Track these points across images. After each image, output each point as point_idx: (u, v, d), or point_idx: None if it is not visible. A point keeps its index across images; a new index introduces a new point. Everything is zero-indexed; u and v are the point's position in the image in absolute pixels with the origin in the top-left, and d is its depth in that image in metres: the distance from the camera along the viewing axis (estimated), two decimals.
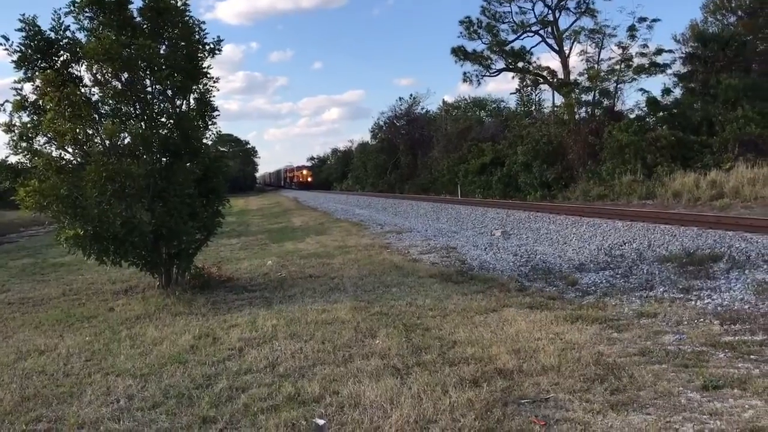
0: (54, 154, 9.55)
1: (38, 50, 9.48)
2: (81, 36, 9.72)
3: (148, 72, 9.81)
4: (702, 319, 6.67)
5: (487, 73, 43.28)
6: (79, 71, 9.78)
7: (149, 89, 9.97)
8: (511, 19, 41.12)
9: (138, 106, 9.90)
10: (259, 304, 8.87)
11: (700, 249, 10.29)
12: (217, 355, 6.35)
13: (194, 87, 10.35)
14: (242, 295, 9.59)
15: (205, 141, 10.67)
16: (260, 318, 7.77)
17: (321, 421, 4.47)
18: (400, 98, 77.24)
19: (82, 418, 4.81)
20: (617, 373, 5.07)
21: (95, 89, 9.76)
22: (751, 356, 5.41)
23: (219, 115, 10.69)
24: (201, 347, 6.66)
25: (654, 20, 34.71)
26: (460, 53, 42.57)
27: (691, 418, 4.19)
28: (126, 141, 9.71)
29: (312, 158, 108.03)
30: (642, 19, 34.54)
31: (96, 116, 9.66)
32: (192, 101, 10.45)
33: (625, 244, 11.81)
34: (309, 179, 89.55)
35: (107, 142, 9.51)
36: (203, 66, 10.30)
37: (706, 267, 9.18)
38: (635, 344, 5.95)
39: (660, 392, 4.66)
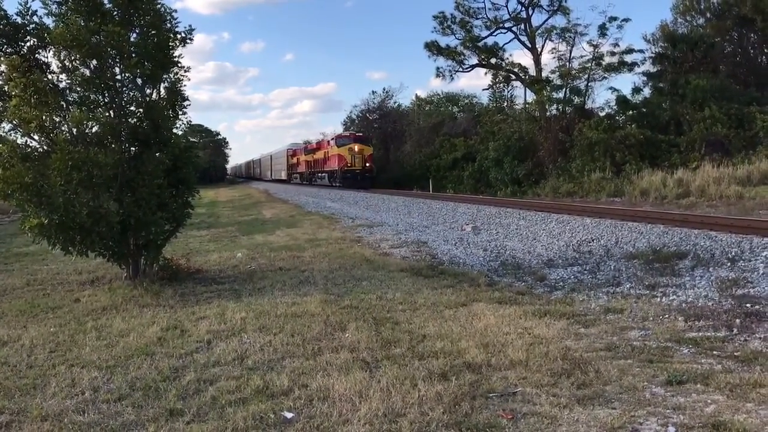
0: (19, 141, 9.35)
1: (4, 35, 9.25)
2: (49, 21, 9.50)
3: (117, 60, 9.63)
4: (667, 316, 6.79)
5: (460, 69, 43.55)
6: (47, 57, 9.57)
7: (118, 77, 9.79)
8: (485, 16, 41.40)
9: (107, 94, 9.71)
10: (228, 296, 8.80)
11: (666, 246, 10.46)
12: (184, 347, 6.29)
13: (165, 76, 10.18)
14: (211, 288, 9.51)
15: (175, 131, 10.52)
16: (229, 310, 7.72)
17: (289, 414, 4.47)
18: (373, 92, 77.03)
19: (45, 410, 4.73)
20: (584, 367, 5.14)
21: (63, 76, 9.55)
22: (714, 352, 5.52)
23: (189, 105, 10.54)
24: (168, 339, 6.59)
25: (625, 20, 35.16)
26: (433, 48, 42.73)
27: (655, 412, 4.27)
28: (94, 129, 9.54)
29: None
30: (613, 18, 34.97)
31: (63, 103, 9.46)
32: (162, 90, 10.29)
33: (593, 240, 11.95)
34: (367, 164, 41.25)
35: (74, 130, 9.33)
36: (174, 55, 10.14)
37: (671, 264, 9.33)
38: (602, 339, 6.04)
39: (625, 387, 4.73)
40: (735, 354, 5.43)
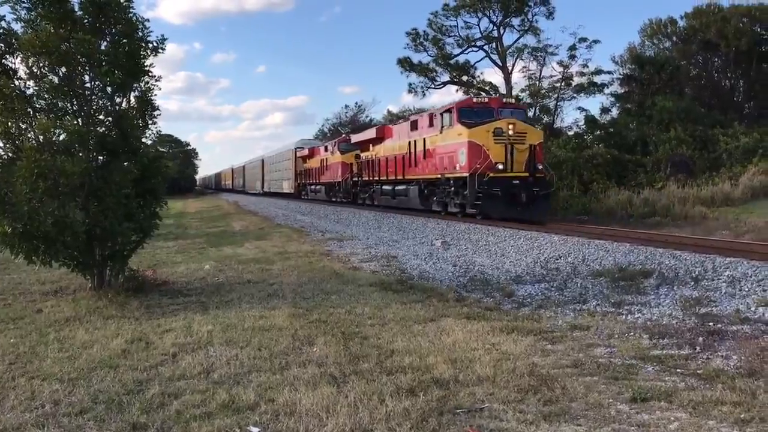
0: None
1: None
2: (17, 27, 9.39)
3: (87, 67, 9.54)
4: (632, 333, 6.87)
5: (432, 85, 43.95)
6: (14, 63, 9.44)
7: (88, 85, 9.69)
8: (457, 34, 41.88)
9: (75, 102, 9.60)
10: (195, 308, 8.70)
11: (631, 265, 10.61)
12: (149, 360, 6.19)
13: (135, 85, 10.10)
14: (178, 300, 9.39)
15: (144, 140, 10.43)
16: (195, 323, 7.62)
17: (255, 429, 4.43)
18: (346, 106, 77.25)
19: (3, 423, 4.61)
20: (550, 384, 5.17)
21: (30, 83, 9.43)
22: (678, 370, 5.61)
23: (160, 114, 10.46)
24: (133, 352, 6.49)
25: (594, 41, 35.98)
26: (406, 64, 43.09)
27: (619, 429, 4.31)
28: (61, 137, 9.41)
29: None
30: (582, 40, 35.73)
31: (30, 110, 9.33)
32: (132, 99, 10.20)
33: (560, 257, 12.08)
34: (538, 165, 19.43)
35: (41, 137, 9.19)
36: (145, 64, 10.07)
37: (637, 282, 9.47)
38: (568, 356, 6.09)
39: (591, 404, 4.78)
40: (698, 372, 5.51)
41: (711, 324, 7.03)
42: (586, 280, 10.02)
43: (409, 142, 24.34)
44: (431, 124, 22.65)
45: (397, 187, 26.03)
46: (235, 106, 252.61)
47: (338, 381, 5.39)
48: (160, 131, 11.04)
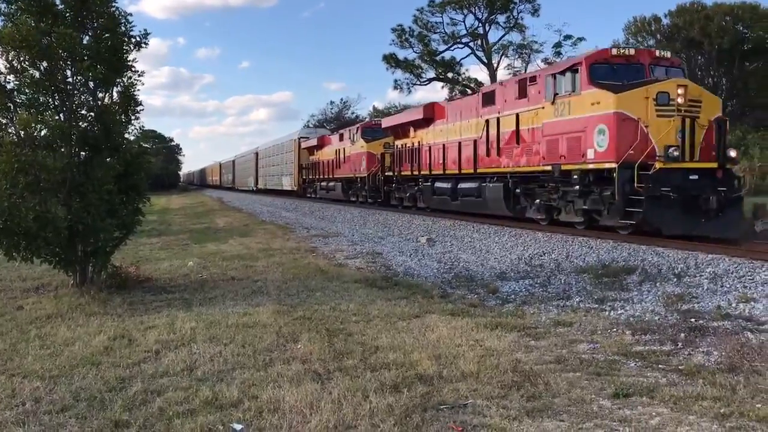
0: None
1: None
2: None
3: (69, 62, 9.44)
4: (615, 329, 6.92)
5: (418, 82, 44.12)
6: None
7: (69, 80, 9.60)
8: (443, 30, 42.04)
9: (57, 97, 9.51)
10: (178, 305, 8.64)
11: (615, 261, 10.68)
12: (132, 357, 6.15)
13: (118, 80, 10.00)
14: (161, 296, 9.33)
15: (127, 136, 10.34)
16: (179, 320, 7.57)
17: (239, 426, 4.41)
18: (331, 102, 77.12)
19: None
20: (533, 380, 5.20)
21: (11, 77, 9.32)
22: (660, 365, 5.65)
23: (143, 109, 10.36)
24: (115, 349, 6.44)
25: (579, 39, 36.29)
26: (391, 61, 43.15)
27: (601, 425, 4.34)
28: (42, 132, 9.31)
29: None
30: (568, 37, 36.01)
31: (10, 105, 9.24)
32: (115, 94, 10.11)
33: (544, 254, 12.13)
34: (730, 154, 12.86)
35: (21, 132, 9.10)
36: (128, 59, 9.99)
37: (620, 279, 9.53)
38: (551, 352, 6.12)
39: (573, 399, 4.80)
40: (679, 367, 5.56)
41: (693, 320, 7.09)
42: (569, 276, 10.07)
43: (485, 122, 18.00)
44: (524, 95, 16.13)
45: (461, 185, 19.83)
46: (219, 102, 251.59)
47: (322, 378, 5.39)
48: (143, 127, 10.97)
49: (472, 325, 7.07)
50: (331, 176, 33.98)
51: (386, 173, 26.48)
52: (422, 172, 22.78)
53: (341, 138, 32.86)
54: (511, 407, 4.65)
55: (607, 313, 7.76)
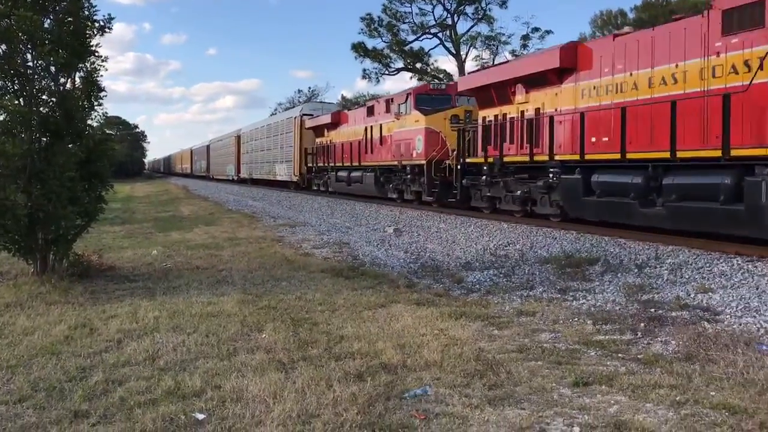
0: None
1: None
2: None
3: (29, 46, 9.24)
4: (577, 319, 7.03)
5: (386, 72, 44.07)
6: None
7: (30, 64, 9.39)
8: (412, 20, 42.05)
9: (16, 82, 9.31)
10: (142, 294, 8.55)
11: (578, 252, 10.84)
12: (93, 346, 6.08)
13: (80, 65, 9.82)
14: (123, 285, 9.22)
15: (90, 122, 10.17)
16: (142, 309, 7.50)
17: (201, 416, 4.39)
18: (299, 90, 76.49)
19: None
20: (496, 369, 5.26)
21: None
22: (619, 354, 5.76)
23: (106, 95, 10.19)
24: (76, 338, 6.35)
25: (547, 31, 36.60)
26: (360, 50, 43.02)
27: (561, 412, 4.42)
28: (1, 118, 9.11)
29: None
30: (536, 29, 36.26)
31: None
32: (77, 80, 9.92)
33: (509, 244, 12.26)
34: None
35: None
36: (91, 44, 9.80)
37: (582, 269, 9.67)
38: (514, 341, 6.20)
39: (535, 388, 4.87)
40: (638, 356, 5.68)
41: (652, 310, 7.23)
42: (533, 266, 10.19)
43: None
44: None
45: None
46: (185, 89, 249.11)
47: (286, 367, 5.38)
48: (106, 113, 10.78)
49: (437, 314, 7.12)
50: (353, 164, 26.45)
51: (467, 158, 18.19)
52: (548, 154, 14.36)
53: (370, 112, 25.16)
54: (473, 395, 4.70)
55: (569, 303, 7.88)
